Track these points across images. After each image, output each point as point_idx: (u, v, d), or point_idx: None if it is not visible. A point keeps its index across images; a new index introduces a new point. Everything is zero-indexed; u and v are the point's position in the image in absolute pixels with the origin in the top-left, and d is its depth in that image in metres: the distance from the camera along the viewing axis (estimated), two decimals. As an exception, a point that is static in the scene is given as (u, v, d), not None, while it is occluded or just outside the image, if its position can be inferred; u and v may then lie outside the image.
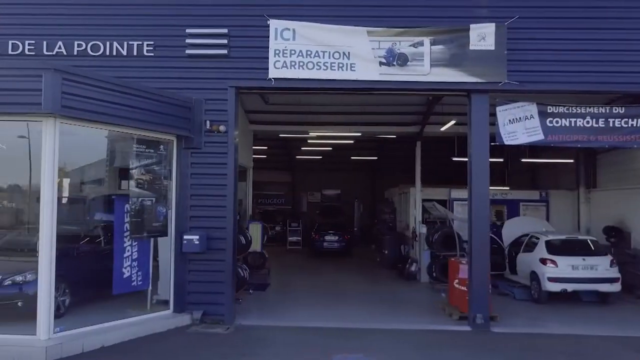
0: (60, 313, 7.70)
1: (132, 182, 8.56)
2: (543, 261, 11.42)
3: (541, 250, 11.69)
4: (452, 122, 13.27)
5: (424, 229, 14.91)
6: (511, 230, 14.12)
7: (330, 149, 22.49)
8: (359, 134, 15.55)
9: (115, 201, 8.49)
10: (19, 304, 7.84)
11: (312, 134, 17.08)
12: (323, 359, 7.35)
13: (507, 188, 17.81)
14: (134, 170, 8.56)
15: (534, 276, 11.70)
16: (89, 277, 8.67)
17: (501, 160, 17.17)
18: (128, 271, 8.59)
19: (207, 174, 9.28)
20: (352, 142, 17.70)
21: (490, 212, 16.46)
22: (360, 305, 11.24)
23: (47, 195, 7.26)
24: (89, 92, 7.49)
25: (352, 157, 25.75)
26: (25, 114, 7.24)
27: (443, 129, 13.96)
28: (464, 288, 9.77)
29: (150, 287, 9.02)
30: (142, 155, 8.74)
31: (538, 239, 12.29)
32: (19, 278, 7.91)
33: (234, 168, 9.31)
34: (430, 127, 14.86)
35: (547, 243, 11.75)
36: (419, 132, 15.46)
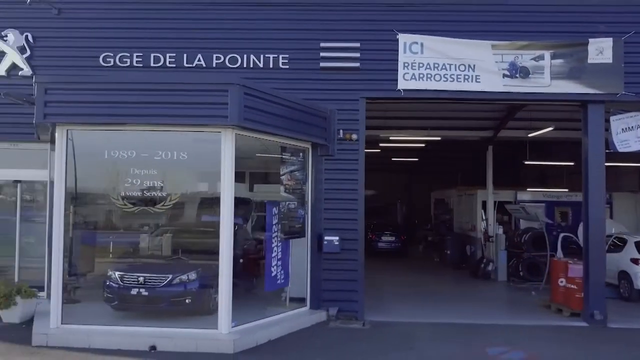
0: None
1: (282, 187, 9.16)
2: (635, 261, 12.04)
3: (631, 251, 12.30)
4: (550, 128, 13.89)
5: (500, 230, 15.53)
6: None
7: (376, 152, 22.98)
8: (439, 138, 16.12)
9: (267, 205, 9.08)
10: (187, 300, 8.46)
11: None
12: (478, 352, 7.95)
13: (567, 190, 18.43)
14: (283, 176, 9.17)
15: (623, 275, 12.31)
16: (245, 275, 9.28)
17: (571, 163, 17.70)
18: (275, 270, 9.19)
19: (339, 179, 9.88)
20: (422, 145, 18.24)
21: (556, 213, 17.26)
22: (460, 303, 11.84)
23: (227, 199, 7.86)
24: (261, 105, 8.09)
25: (393, 159, 26.33)
26: (209, 125, 7.82)
27: (533, 134, 14.56)
28: (574, 286, 10.37)
29: (289, 285, 9.63)
30: (288, 162, 9.35)
31: (623, 239, 12.90)
32: (184, 277, 8.52)
33: (363, 174, 9.90)
34: (505, 131, 15.48)
35: (638, 244, 12.36)
36: (491, 136, 16.07)
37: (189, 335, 7.72)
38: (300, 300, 9.79)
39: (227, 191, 7.88)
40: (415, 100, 10.25)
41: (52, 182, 9.89)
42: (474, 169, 21.67)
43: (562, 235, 12.79)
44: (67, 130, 8.02)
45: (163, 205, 8.08)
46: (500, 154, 20.36)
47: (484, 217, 16.80)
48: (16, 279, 10.34)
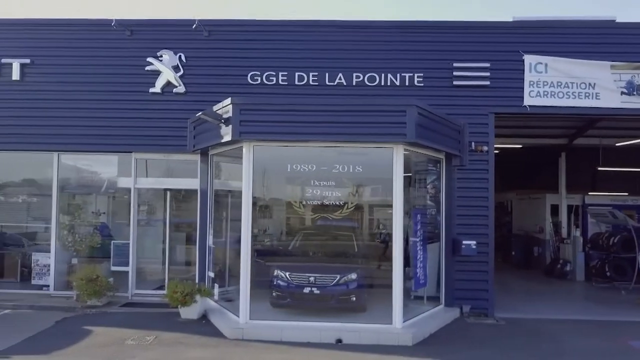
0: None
1: (427, 196, 10.08)
2: None
3: None
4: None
5: (577, 233, 16.44)
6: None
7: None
8: (520, 146, 17.00)
9: (413, 212, 9.98)
10: (352, 298, 9.38)
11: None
12: (621, 344, 8.83)
13: (626, 194, 19.27)
14: (428, 186, 10.08)
15: None
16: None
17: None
18: (419, 272, 10.10)
19: (470, 187, 10.78)
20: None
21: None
22: (565, 301, 12.69)
23: (398, 207, 8.78)
24: (427, 123, 8.99)
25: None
26: (385, 142, 8.73)
27: (622, 144, 15.47)
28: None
29: (427, 286, 10.54)
30: (429, 172, 10.27)
31: None
32: (349, 277, 9.43)
33: (493, 183, 10.81)
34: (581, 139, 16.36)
35: None
36: (566, 143, 16.95)
37: (370, 329, 8.62)
38: (433, 299, 10.70)
39: (398, 200, 8.79)
40: (539, 116, 11.13)
41: (201, 191, 10.90)
42: (536, 173, 22.51)
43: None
44: (253, 146, 8.92)
45: (340, 213, 8.99)
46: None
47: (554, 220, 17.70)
48: (166, 280, 11.30)
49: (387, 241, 9.72)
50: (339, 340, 8.47)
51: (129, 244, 11.25)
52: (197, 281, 10.79)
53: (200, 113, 8.86)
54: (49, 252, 11.47)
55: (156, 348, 7.98)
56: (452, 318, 10.31)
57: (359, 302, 9.41)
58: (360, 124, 8.59)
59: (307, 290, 9.24)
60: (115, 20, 11.16)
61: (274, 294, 9.51)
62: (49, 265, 11.39)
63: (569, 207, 17.83)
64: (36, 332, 8.84)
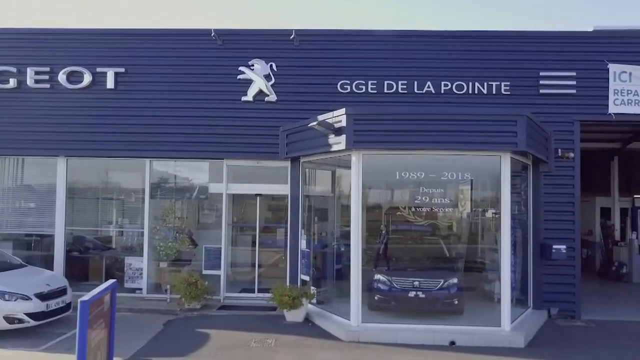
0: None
1: (521, 201, 10.36)
2: None
3: None
4: None
5: (634, 236, 16.72)
6: None
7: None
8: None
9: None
10: (455, 301, 9.68)
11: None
12: None
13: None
14: (522, 192, 10.37)
15: None
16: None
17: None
18: (511, 275, 10.39)
19: (556, 193, 11.06)
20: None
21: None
22: (635, 303, 12.99)
23: (505, 212, 9.06)
24: (531, 131, 9.28)
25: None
26: (493, 150, 9.01)
27: None
28: None
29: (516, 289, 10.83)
30: (520, 177, 10.55)
31: None
32: (451, 281, 9.73)
33: (579, 189, 11.09)
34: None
35: None
36: (619, 147, 17.22)
37: (481, 331, 8.91)
38: (519, 302, 10.96)
39: (506, 206, 9.07)
40: (623, 123, 11.40)
41: (292, 196, 11.19)
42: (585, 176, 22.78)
43: None
44: (362, 155, 9.21)
45: (450, 219, 9.29)
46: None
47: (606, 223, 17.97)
48: (256, 283, 11.61)
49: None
50: (452, 343, 8.76)
51: (220, 248, 11.54)
52: (287, 284, 11.08)
53: (314, 123, 9.13)
54: (131, 255, 11.81)
55: (284, 350, 8.27)
56: (543, 320, 10.59)
57: (460, 305, 9.72)
58: (470, 133, 8.88)
59: (412, 294, 9.55)
60: (206, 29, 11.46)
61: (375, 297, 9.81)
62: (141, 269, 11.68)
63: (622, 210, 18.10)
64: (153, 335, 9.12)
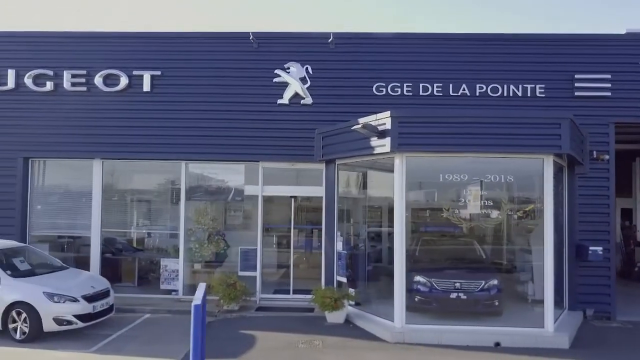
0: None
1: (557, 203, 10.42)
2: None
3: None
4: None
5: (658, 237, 16.81)
6: None
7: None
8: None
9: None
10: (496, 303, 9.75)
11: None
12: None
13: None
14: (557, 193, 10.42)
15: None
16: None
17: None
18: (549, 276, 10.44)
19: (591, 195, 11.13)
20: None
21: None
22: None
23: (549, 216, 9.14)
24: (573, 134, 9.35)
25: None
26: (537, 153, 9.07)
27: None
28: None
29: (552, 289, 10.88)
30: (556, 179, 10.58)
31: None
32: (492, 283, 9.79)
33: (614, 191, 11.16)
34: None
35: None
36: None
37: (525, 333, 8.97)
38: (554, 303, 11.02)
39: (549, 208, 9.16)
40: (658, 125, 11.49)
41: (327, 198, 11.27)
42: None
43: None
44: (405, 157, 9.28)
45: (491, 220, 9.36)
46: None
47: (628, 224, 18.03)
48: (291, 284, 11.68)
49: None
50: (497, 344, 8.82)
51: (256, 249, 11.62)
52: (322, 286, 11.16)
53: (358, 125, 9.19)
54: (165, 257, 11.92)
55: (334, 352, 8.34)
56: (579, 321, 10.64)
57: (500, 307, 9.79)
58: (515, 136, 8.93)
59: (453, 295, 9.61)
60: (242, 32, 11.55)
61: (416, 298, 9.87)
62: (177, 271, 11.76)
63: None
64: (198, 336, 9.21)
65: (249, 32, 11.47)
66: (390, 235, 11.13)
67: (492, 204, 9.54)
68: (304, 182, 11.78)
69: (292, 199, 11.85)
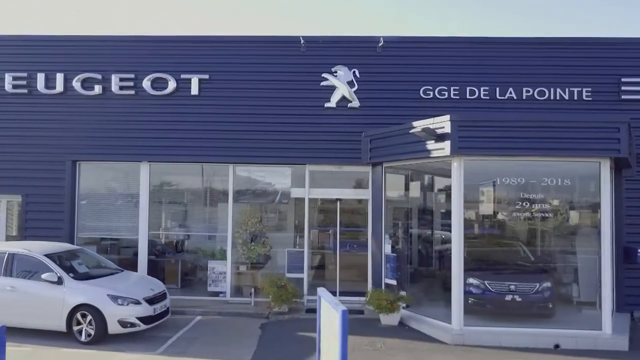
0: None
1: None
2: None
3: None
4: None
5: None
6: None
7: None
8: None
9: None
10: (550, 305, 9.83)
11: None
12: None
13: None
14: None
15: None
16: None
17: None
18: (595, 278, 10.54)
19: (638, 197, 11.22)
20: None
21: None
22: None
23: (606, 218, 9.23)
24: (628, 137, 9.43)
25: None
26: (594, 157, 9.16)
27: None
28: None
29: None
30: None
31: None
32: (546, 285, 9.88)
33: (660, 193, 11.27)
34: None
35: None
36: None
37: (584, 335, 9.05)
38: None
39: (606, 211, 9.25)
40: None
41: (374, 200, 11.35)
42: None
43: None
44: (463, 160, 9.37)
45: (546, 223, 9.44)
46: None
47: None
48: (337, 286, 11.76)
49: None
50: (557, 346, 8.91)
51: (303, 251, 11.70)
52: (369, 288, 11.25)
53: (417, 129, 9.29)
54: (213, 259, 12.00)
55: (400, 354, 8.43)
56: (628, 323, 10.72)
57: (553, 309, 9.87)
58: (572, 140, 9.03)
59: (508, 297, 9.69)
60: (290, 36, 11.64)
61: (469, 300, 9.94)
62: (224, 273, 11.84)
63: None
64: (257, 339, 9.26)
65: (298, 36, 11.57)
66: (439, 237, 11.29)
67: (546, 206, 9.63)
68: (350, 185, 11.86)
69: (338, 202, 11.93)
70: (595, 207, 9.54)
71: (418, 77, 11.52)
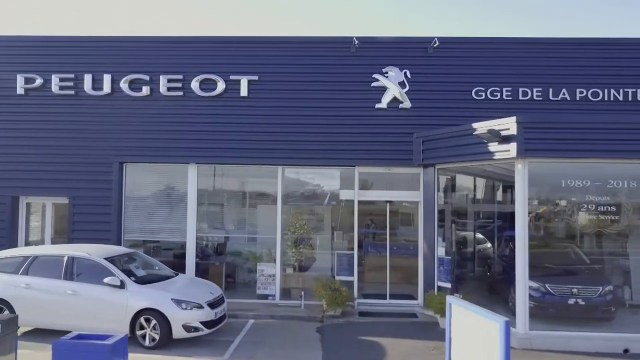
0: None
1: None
2: None
3: None
4: None
5: None
6: None
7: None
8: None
9: None
10: (612, 309, 9.71)
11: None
12: None
13: None
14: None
15: None
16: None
17: None
18: None
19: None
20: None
21: None
22: None
23: (673, 222, 9.11)
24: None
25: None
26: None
27: None
28: None
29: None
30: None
31: None
32: (608, 288, 9.75)
33: None
34: None
35: None
36: None
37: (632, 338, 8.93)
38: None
39: (672, 215, 9.13)
40: None
41: (425, 202, 11.24)
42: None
43: None
44: (527, 162, 9.24)
45: (611, 226, 9.33)
46: None
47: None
48: (387, 288, 11.64)
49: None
50: (626, 350, 8.79)
51: (353, 254, 11.58)
52: (420, 291, 11.14)
53: (483, 130, 9.17)
54: (261, 262, 11.91)
55: (471, 358, 8.30)
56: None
57: (615, 313, 9.75)
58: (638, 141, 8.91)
59: (571, 301, 9.57)
60: (340, 36, 11.54)
61: (531, 304, 9.82)
62: (273, 276, 11.72)
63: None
64: (318, 344, 9.13)
65: (348, 37, 11.48)
66: (494, 239, 11.16)
67: (611, 209, 9.51)
68: (399, 187, 11.74)
69: (388, 204, 11.81)
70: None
71: (470, 78, 11.41)
